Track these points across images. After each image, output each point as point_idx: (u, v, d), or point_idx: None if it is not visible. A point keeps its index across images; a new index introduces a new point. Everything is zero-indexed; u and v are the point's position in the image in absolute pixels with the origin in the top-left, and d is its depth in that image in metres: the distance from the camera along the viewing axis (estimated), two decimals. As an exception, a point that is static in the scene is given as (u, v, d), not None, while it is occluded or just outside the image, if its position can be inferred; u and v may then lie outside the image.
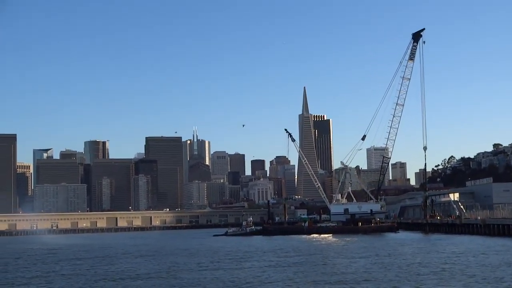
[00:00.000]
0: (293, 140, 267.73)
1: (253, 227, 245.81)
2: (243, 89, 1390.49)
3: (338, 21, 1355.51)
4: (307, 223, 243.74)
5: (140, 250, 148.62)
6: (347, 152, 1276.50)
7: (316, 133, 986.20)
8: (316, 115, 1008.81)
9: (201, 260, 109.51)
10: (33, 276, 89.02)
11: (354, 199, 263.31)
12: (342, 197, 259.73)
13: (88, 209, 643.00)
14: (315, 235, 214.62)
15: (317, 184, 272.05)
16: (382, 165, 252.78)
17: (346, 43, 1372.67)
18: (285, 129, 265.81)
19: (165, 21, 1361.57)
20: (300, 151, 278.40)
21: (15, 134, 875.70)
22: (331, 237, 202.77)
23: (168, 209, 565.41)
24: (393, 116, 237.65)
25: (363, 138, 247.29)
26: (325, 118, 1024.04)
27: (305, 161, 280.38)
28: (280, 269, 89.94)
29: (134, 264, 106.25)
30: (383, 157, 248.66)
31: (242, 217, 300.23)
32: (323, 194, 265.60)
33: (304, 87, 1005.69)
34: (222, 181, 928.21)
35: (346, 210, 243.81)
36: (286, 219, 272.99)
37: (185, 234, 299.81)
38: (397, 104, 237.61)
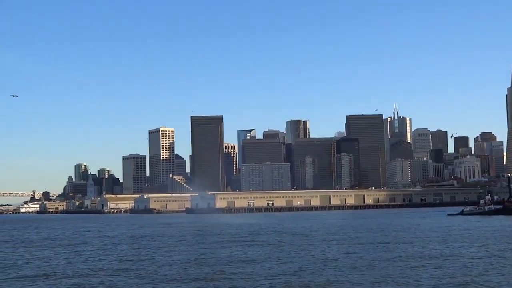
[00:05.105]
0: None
1: (491, 206, 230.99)
2: (443, 63, 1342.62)
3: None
4: None
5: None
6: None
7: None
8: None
9: None
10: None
11: None
12: None
13: (295, 187, 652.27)
14: None
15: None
16: None
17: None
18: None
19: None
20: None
21: (222, 116, 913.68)
22: None
23: (373, 188, 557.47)
24: None
25: None
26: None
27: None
28: None
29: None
30: None
31: (479, 195, 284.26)
32: None
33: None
34: (425, 159, 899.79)
35: None
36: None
37: (409, 213, 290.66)
38: None
